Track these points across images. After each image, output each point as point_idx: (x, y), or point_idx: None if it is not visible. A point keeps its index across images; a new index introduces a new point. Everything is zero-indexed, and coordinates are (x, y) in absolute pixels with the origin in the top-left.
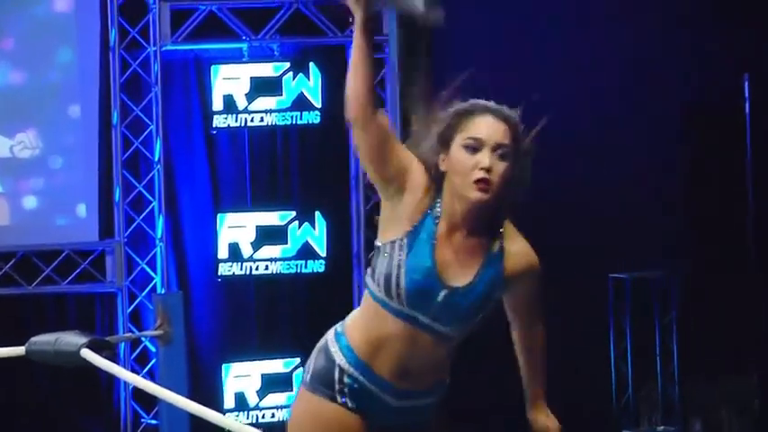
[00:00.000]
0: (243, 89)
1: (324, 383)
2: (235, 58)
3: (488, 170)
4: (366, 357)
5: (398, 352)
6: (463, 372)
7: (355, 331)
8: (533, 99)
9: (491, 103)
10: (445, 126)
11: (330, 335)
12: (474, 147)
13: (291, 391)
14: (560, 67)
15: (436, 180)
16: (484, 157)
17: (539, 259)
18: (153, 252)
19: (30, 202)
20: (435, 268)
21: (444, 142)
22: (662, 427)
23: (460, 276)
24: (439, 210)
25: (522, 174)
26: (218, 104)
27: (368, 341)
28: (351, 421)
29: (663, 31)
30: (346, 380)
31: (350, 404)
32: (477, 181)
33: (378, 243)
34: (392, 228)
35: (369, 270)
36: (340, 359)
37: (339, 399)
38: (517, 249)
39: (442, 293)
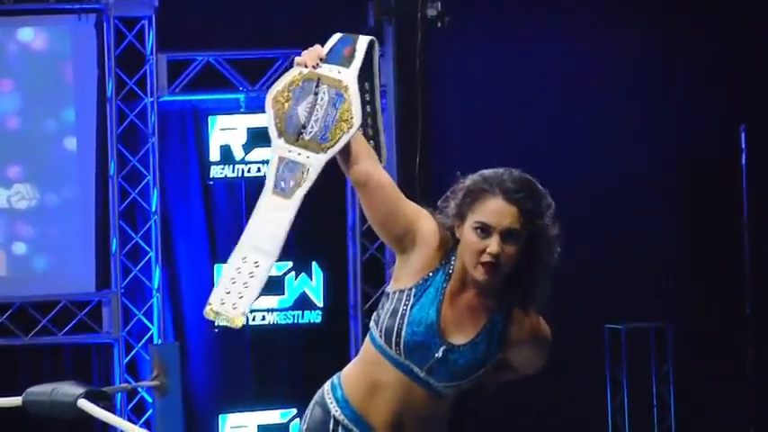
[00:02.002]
0: (240, 140)
1: None
2: (232, 108)
3: (496, 256)
4: (360, 407)
5: (393, 402)
6: None
7: (351, 379)
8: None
9: (505, 178)
10: (460, 202)
11: (327, 386)
12: (483, 230)
13: None
14: (561, 123)
15: (453, 238)
16: (492, 243)
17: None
18: (150, 303)
19: (26, 252)
20: (438, 324)
21: (460, 215)
22: None
23: (462, 334)
24: (452, 266)
25: (544, 256)
26: (214, 155)
27: (364, 388)
28: None
29: (659, 85)
30: (341, 431)
31: None
32: (484, 264)
33: (388, 290)
34: (404, 278)
35: (374, 315)
36: (335, 410)
37: None
38: (529, 316)
39: (441, 349)
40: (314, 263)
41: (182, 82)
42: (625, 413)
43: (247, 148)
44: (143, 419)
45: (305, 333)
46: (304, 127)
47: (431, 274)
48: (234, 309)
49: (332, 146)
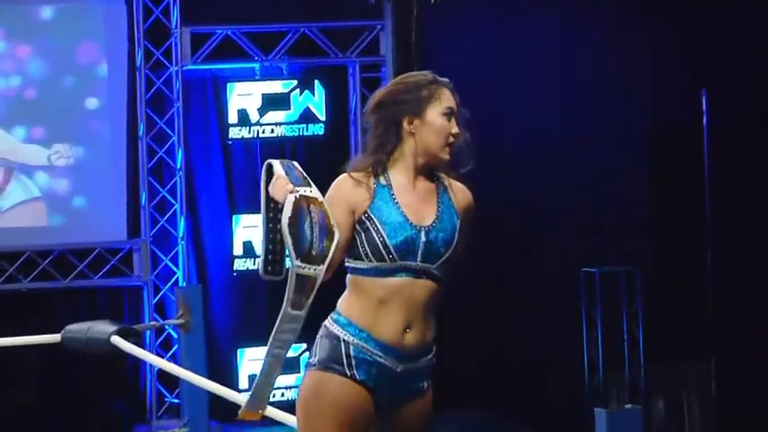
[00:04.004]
0: (255, 104)
1: (333, 360)
2: (248, 76)
3: (457, 135)
4: (367, 327)
5: (399, 308)
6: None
7: (351, 308)
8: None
9: (431, 73)
10: (411, 98)
11: (327, 322)
12: (449, 115)
13: (299, 372)
14: (543, 87)
15: (389, 147)
16: (454, 125)
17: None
18: (175, 250)
19: (65, 205)
20: (406, 218)
21: (415, 110)
22: (629, 406)
23: (427, 216)
24: (387, 174)
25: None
26: (233, 118)
27: (367, 310)
28: (361, 395)
29: (630, 52)
30: (352, 351)
31: (358, 376)
32: (450, 144)
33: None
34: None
35: (349, 268)
36: (343, 334)
37: (348, 372)
38: (459, 187)
39: (421, 234)
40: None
41: (203, 52)
42: (599, 347)
43: (262, 111)
44: (170, 353)
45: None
46: (311, 245)
47: (371, 197)
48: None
49: (327, 255)
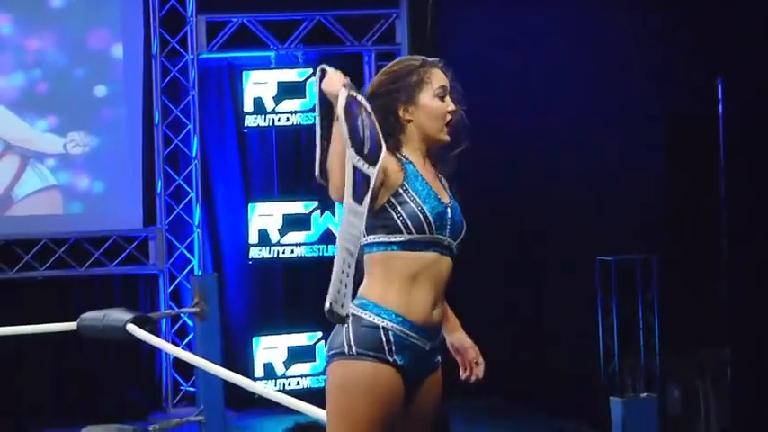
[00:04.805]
0: (271, 92)
1: (372, 348)
2: (263, 64)
3: (454, 111)
4: (401, 310)
5: (428, 286)
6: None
7: (384, 293)
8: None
9: (418, 56)
10: (403, 85)
11: (352, 309)
12: (442, 95)
13: (315, 361)
14: (560, 77)
15: (394, 133)
16: (450, 103)
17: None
18: (191, 238)
19: (81, 193)
20: (435, 192)
21: (408, 96)
22: (644, 394)
23: (444, 194)
24: (406, 155)
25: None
26: (248, 106)
27: (398, 291)
28: (396, 378)
29: (643, 41)
30: (392, 338)
31: (399, 361)
32: (448, 123)
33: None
34: (380, 194)
35: (373, 237)
36: (381, 321)
37: (390, 358)
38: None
39: (448, 210)
40: (337, 202)
41: (219, 41)
42: (614, 335)
43: (277, 99)
44: (185, 341)
45: (329, 264)
46: (363, 141)
47: (404, 168)
48: (341, 308)
49: (377, 160)
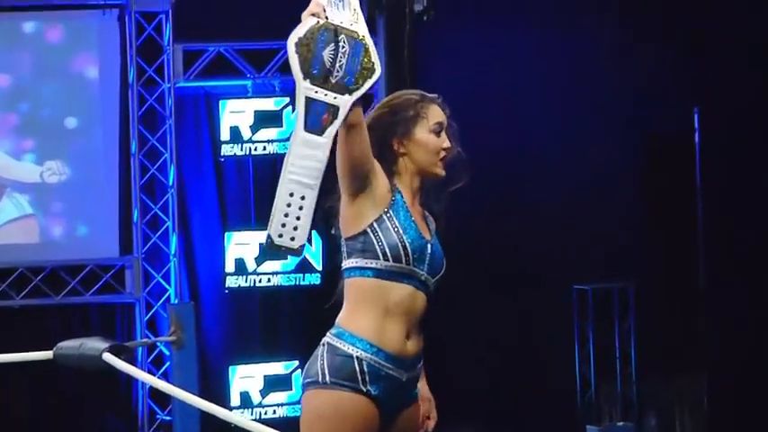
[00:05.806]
0: (247, 121)
1: (345, 377)
2: (240, 93)
3: (449, 149)
4: (375, 340)
5: (402, 318)
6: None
7: (358, 323)
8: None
9: (417, 92)
10: (400, 119)
11: (328, 338)
12: (438, 131)
13: (291, 390)
14: (532, 100)
15: (388, 164)
16: (445, 139)
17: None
18: (167, 267)
19: (57, 221)
20: (417, 227)
21: (404, 130)
22: (621, 423)
23: (426, 231)
24: (397, 187)
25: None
26: (225, 135)
27: (374, 321)
28: (371, 409)
29: (624, 67)
30: (366, 368)
31: (373, 391)
32: (442, 159)
33: (352, 233)
34: (368, 211)
35: (351, 261)
36: (355, 351)
37: (364, 388)
38: (431, 218)
39: (428, 245)
40: (313, 231)
41: (196, 69)
42: (591, 363)
43: (254, 128)
44: (161, 370)
45: (305, 293)
46: (330, 71)
47: (392, 197)
48: (292, 240)
49: (357, 89)
